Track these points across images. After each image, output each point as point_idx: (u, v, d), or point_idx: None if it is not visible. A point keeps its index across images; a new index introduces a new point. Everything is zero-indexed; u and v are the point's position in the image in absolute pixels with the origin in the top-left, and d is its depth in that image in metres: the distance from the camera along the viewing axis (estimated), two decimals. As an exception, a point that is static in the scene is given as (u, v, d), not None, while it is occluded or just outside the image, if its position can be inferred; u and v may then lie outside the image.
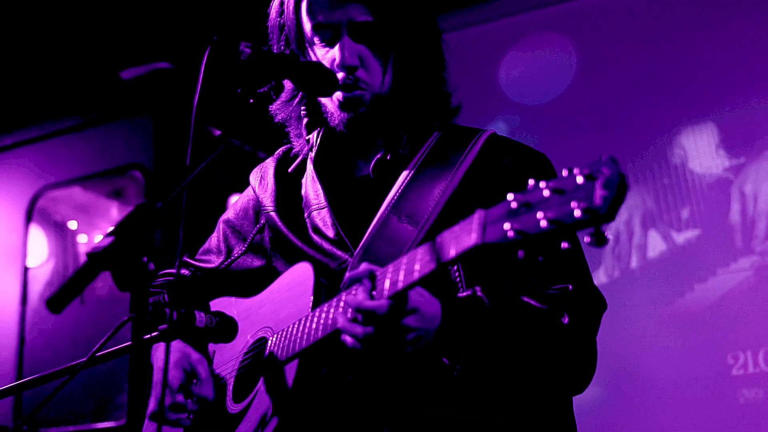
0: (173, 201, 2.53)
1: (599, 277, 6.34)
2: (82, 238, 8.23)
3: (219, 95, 2.93)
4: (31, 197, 8.10)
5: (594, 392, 5.93)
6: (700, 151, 6.30)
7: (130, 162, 7.59)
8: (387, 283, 2.58)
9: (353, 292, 2.68)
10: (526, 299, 2.92)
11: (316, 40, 3.23)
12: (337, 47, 3.17)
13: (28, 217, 8.09)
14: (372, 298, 2.64)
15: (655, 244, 6.30)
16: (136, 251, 2.30)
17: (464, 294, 2.91)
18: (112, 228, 2.34)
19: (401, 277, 2.56)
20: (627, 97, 6.55)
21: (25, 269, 8.05)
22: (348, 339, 2.70)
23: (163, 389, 2.36)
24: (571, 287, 2.97)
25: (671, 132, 6.39)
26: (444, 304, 2.76)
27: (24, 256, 8.08)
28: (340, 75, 3.16)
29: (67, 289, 2.24)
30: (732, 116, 6.28)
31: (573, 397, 3.12)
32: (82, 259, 8.08)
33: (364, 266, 2.69)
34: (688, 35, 6.48)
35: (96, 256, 2.26)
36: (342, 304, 2.78)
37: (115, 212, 8.15)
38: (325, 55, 3.21)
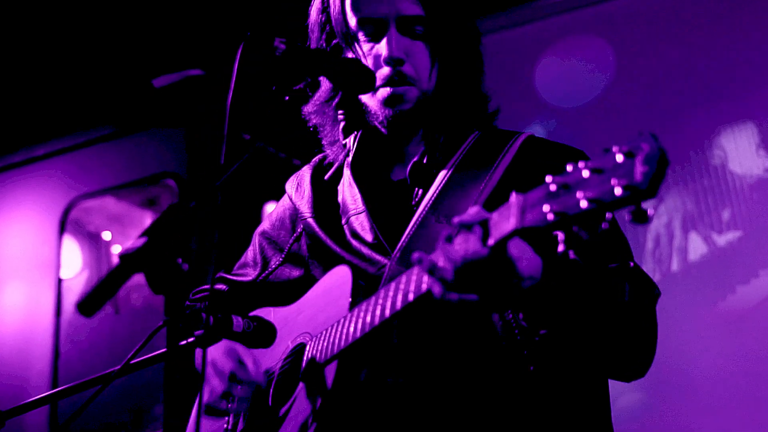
0: (207, 202, 2.47)
1: (639, 281, 6.26)
2: (116, 249, 8.20)
3: (253, 99, 2.87)
4: (64, 208, 8.07)
5: (636, 397, 5.91)
6: (740, 151, 6.21)
7: (163, 171, 7.55)
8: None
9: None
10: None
11: (360, 35, 3.21)
12: (383, 41, 3.14)
13: (62, 228, 8.07)
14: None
15: (696, 247, 6.21)
16: (169, 252, 2.24)
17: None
18: (145, 229, 2.28)
19: (442, 264, 2.48)
20: (665, 98, 6.47)
21: (59, 281, 8.02)
22: (437, 289, 2.49)
23: (200, 401, 2.29)
24: (632, 264, 2.89)
25: (711, 133, 6.30)
26: (545, 261, 2.60)
27: (58, 267, 8.05)
28: (386, 70, 3.13)
29: (98, 292, 2.17)
30: (772, 116, 6.21)
31: (614, 404, 3.04)
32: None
33: (475, 210, 2.47)
34: (726, 35, 6.40)
35: (128, 257, 2.20)
36: (403, 280, 2.67)
37: (148, 222, 8.10)
38: (371, 50, 3.18)
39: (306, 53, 2.94)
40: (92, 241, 8.24)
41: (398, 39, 3.13)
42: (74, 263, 8.18)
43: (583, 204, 2.10)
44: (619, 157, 2.06)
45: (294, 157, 7.28)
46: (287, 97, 2.86)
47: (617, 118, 6.58)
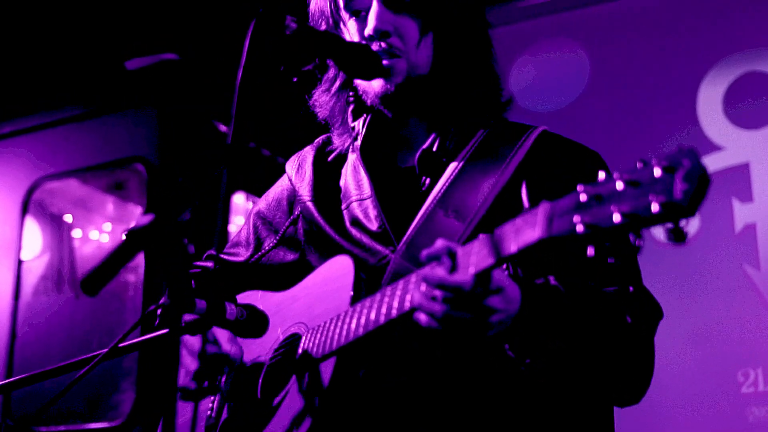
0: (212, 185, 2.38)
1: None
2: (77, 233, 8.07)
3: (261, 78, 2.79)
4: (28, 188, 7.92)
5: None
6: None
7: (133, 155, 7.41)
8: (473, 259, 2.40)
9: (429, 268, 2.50)
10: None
11: (348, 15, 3.14)
12: (368, 18, 3.06)
13: (24, 209, 7.91)
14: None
15: (665, 256, 6.19)
16: (177, 232, 2.14)
17: (539, 281, 2.76)
18: (151, 205, 2.18)
19: (469, 263, 2.41)
20: (641, 103, 6.47)
21: (19, 262, 7.87)
22: (423, 317, 2.49)
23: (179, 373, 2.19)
24: (632, 289, 2.82)
25: (685, 139, 6.29)
26: (523, 288, 2.57)
27: (18, 248, 7.90)
28: (372, 46, 3.05)
29: (102, 270, 2.07)
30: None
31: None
32: (78, 253, 7.96)
33: (441, 242, 2.49)
34: (700, 41, 6.41)
35: (135, 234, 2.10)
36: (413, 281, 2.58)
37: (112, 207, 7.99)
38: (357, 30, 3.11)
39: (317, 34, 2.87)
40: (54, 223, 8.10)
41: (382, 12, 3.05)
42: (35, 245, 8.04)
43: (617, 218, 2.02)
44: (657, 172, 1.98)
45: (263, 147, 7.21)
46: (295, 78, 2.77)
47: (592, 123, 6.56)
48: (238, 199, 7.04)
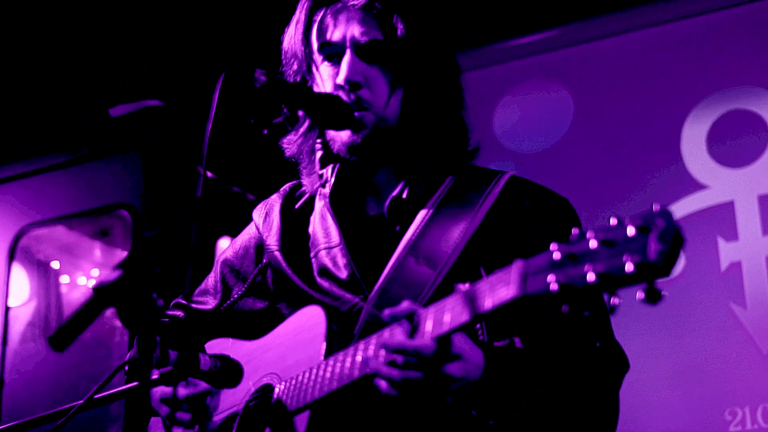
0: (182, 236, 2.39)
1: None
2: (64, 279, 8.06)
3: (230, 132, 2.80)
4: (15, 235, 7.92)
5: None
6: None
7: (117, 201, 7.43)
8: (429, 325, 2.42)
9: (389, 332, 2.52)
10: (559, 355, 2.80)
11: (322, 59, 3.14)
12: (341, 65, 3.07)
13: (11, 256, 7.90)
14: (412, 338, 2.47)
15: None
16: (145, 287, 2.15)
17: (502, 343, 2.77)
18: (120, 260, 2.20)
19: (428, 327, 2.41)
20: (625, 142, 6.46)
21: (6, 309, 7.85)
22: (383, 384, 2.51)
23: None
24: (598, 344, 2.85)
25: (669, 179, 6.30)
26: (487, 355, 2.59)
27: (5, 295, 7.89)
28: (342, 95, 3.05)
29: (70, 326, 2.09)
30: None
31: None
32: (65, 299, 7.94)
33: (406, 304, 2.50)
34: (685, 79, 6.41)
35: (102, 291, 2.11)
36: (372, 346, 2.60)
37: (99, 253, 7.98)
38: (330, 75, 3.11)
39: (286, 86, 2.88)
40: (41, 270, 8.09)
41: (354, 62, 3.06)
42: (22, 292, 8.03)
43: (591, 277, 2.03)
44: (631, 231, 2.00)
45: (248, 192, 7.18)
46: (265, 131, 2.78)
47: (576, 164, 6.55)
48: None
